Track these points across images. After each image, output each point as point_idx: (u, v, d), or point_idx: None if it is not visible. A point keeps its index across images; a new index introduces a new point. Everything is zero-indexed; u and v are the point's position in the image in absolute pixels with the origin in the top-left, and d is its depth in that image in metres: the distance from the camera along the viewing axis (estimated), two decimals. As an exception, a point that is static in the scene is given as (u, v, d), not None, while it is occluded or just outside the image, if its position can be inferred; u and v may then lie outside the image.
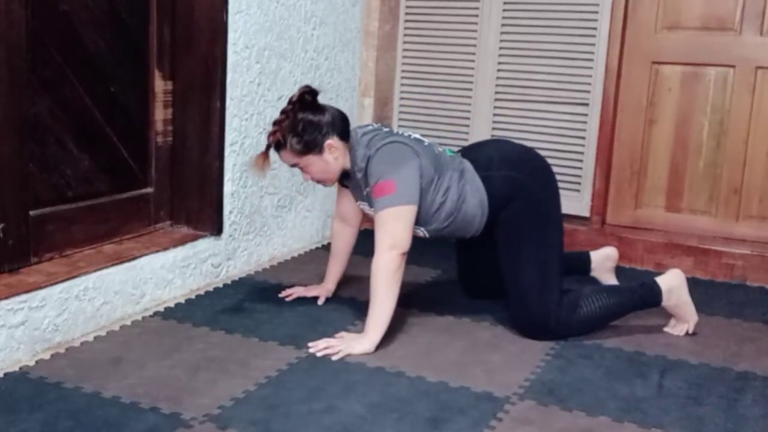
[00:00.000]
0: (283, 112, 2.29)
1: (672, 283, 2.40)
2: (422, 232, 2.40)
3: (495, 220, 2.39)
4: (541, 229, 2.39)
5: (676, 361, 2.26)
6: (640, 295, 2.41)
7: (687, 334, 2.45)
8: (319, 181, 2.41)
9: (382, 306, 2.23)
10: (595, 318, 2.39)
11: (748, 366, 2.25)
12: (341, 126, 2.33)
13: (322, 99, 3.28)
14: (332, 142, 2.29)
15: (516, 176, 2.39)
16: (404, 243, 2.23)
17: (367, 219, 2.51)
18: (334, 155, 2.31)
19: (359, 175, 2.33)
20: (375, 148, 2.28)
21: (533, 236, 2.37)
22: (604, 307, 2.38)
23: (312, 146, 2.29)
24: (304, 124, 2.27)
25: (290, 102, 2.29)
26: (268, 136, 2.30)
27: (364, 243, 2.61)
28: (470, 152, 2.51)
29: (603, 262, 2.80)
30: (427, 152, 2.33)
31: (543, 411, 1.93)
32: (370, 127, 2.41)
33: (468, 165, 2.41)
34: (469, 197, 2.36)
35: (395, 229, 2.23)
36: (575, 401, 1.98)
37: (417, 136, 2.41)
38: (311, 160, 2.31)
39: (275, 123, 2.29)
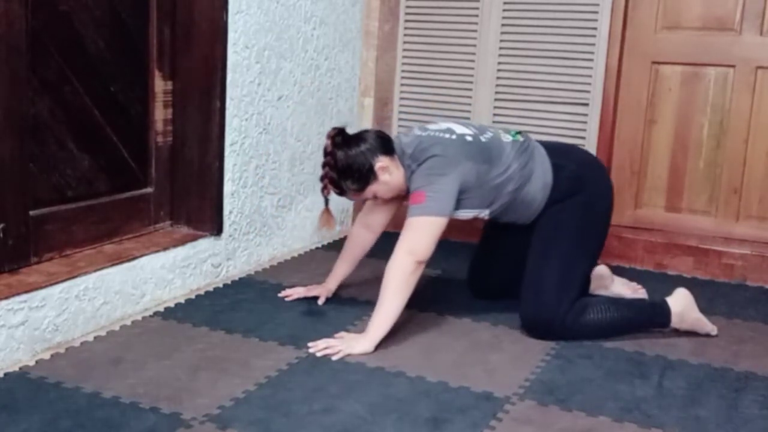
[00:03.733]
0: (324, 165, 2.31)
1: (680, 307, 2.42)
2: (484, 214, 2.40)
3: (544, 211, 2.41)
4: (584, 233, 2.41)
5: (676, 361, 2.26)
6: (648, 315, 2.42)
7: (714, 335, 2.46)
8: (394, 197, 2.43)
9: (387, 307, 2.23)
10: (600, 328, 2.38)
11: (748, 366, 2.25)
12: (381, 144, 2.34)
13: (322, 98, 3.30)
14: (381, 164, 2.31)
15: (585, 175, 2.43)
16: (423, 252, 2.24)
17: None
18: (389, 173, 2.33)
19: (407, 185, 2.37)
20: (417, 163, 2.30)
21: (574, 237, 2.39)
22: (610, 318, 2.38)
23: (366, 179, 2.32)
24: (349, 163, 2.30)
25: (325, 153, 2.31)
26: (321, 191, 2.33)
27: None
28: (546, 142, 2.53)
29: (598, 281, 2.73)
30: (471, 150, 2.32)
31: (543, 411, 1.93)
32: (412, 135, 2.39)
33: (539, 148, 2.44)
34: (534, 179, 2.38)
35: (417, 237, 2.24)
36: (575, 401, 1.98)
37: (460, 130, 2.37)
38: (373, 188, 2.34)
39: (321, 178, 2.32)
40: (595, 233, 2.46)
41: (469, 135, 2.36)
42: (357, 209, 3.63)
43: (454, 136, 2.34)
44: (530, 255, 2.42)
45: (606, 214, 2.50)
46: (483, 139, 2.37)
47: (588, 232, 2.43)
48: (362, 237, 2.58)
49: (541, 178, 2.38)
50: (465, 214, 2.36)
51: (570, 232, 2.39)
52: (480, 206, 2.37)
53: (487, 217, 2.43)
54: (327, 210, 2.38)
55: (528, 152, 2.40)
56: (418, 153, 2.32)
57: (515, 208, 2.41)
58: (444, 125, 2.40)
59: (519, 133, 2.48)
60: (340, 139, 2.32)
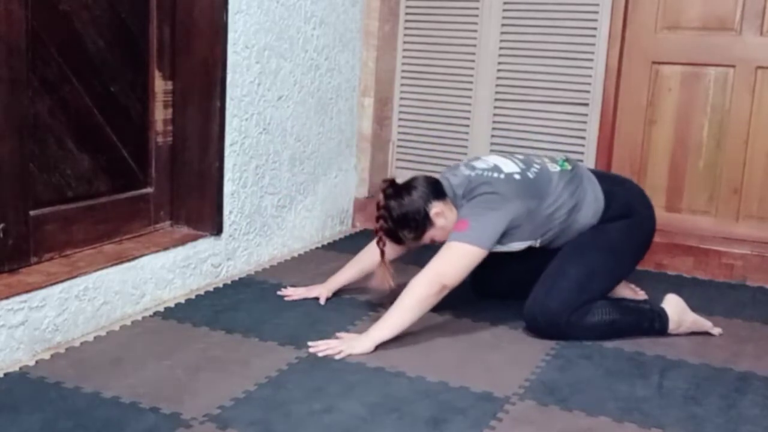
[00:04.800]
0: (378, 218, 2.32)
1: (675, 314, 2.43)
2: (535, 243, 2.41)
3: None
4: (615, 254, 2.43)
5: (676, 361, 2.26)
6: (649, 320, 2.42)
7: (718, 334, 2.47)
8: None
9: (397, 317, 2.23)
10: (601, 330, 2.37)
11: (748, 366, 2.25)
12: (433, 190, 2.34)
13: (322, 98, 3.30)
14: (436, 209, 2.32)
15: (635, 206, 2.46)
16: (452, 278, 2.24)
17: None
18: (444, 218, 2.34)
19: None
20: (467, 199, 2.32)
21: (604, 254, 2.40)
22: (612, 321, 2.38)
23: (423, 226, 2.33)
24: (403, 212, 2.31)
25: (378, 207, 2.32)
26: (377, 244, 2.35)
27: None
28: (598, 171, 2.57)
29: None
30: (520, 188, 2.32)
31: (543, 411, 1.93)
32: (461, 176, 2.39)
33: (588, 175, 2.46)
34: (585, 206, 2.40)
35: (451, 263, 2.24)
36: (575, 401, 1.98)
37: (508, 168, 2.36)
38: (430, 234, 2.35)
39: (376, 231, 2.34)
40: (626, 258, 2.48)
41: (517, 173, 2.36)
42: (358, 209, 3.63)
43: (502, 176, 2.34)
44: (557, 258, 2.43)
45: (643, 245, 2.52)
46: (531, 175, 2.37)
47: (620, 254, 2.45)
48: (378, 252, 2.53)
49: (592, 206, 2.41)
50: (517, 245, 2.38)
51: (602, 249, 2.40)
52: (532, 237, 2.38)
53: (538, 245, 2.43)
54: (383, 263, 2.38)
55: (577, 180, 2.42)
56: (467, 193, 2.34)
57: (566, 235, 2.42)
58: (491, 162, 2.40)
59: (567, 160, 2.49)
60: (391, 190, 2.33)
